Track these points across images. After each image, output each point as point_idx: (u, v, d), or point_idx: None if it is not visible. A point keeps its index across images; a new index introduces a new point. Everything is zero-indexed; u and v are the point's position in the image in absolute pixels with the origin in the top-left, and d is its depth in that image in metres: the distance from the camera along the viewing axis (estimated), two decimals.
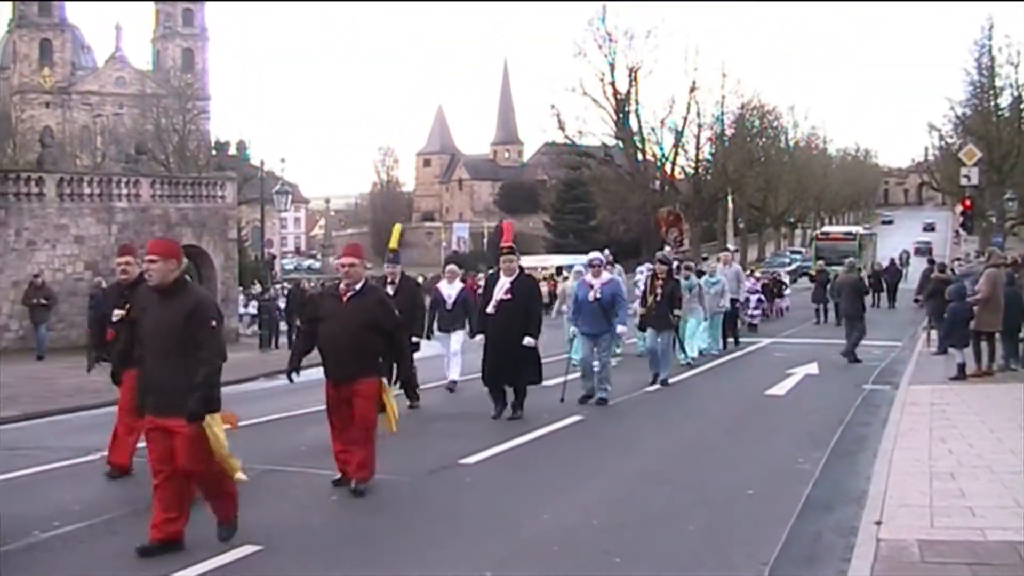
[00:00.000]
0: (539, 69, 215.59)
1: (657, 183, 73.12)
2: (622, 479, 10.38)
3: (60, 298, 28.45)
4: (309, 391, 12.33)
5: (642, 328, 18.18)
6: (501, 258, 14.04)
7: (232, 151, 69.41)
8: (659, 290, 17.51)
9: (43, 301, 27.09)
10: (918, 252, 76.88)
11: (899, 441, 11.64)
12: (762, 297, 33.44)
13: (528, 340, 13.48)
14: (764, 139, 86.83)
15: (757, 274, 37.72)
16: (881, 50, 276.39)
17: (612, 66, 70.99)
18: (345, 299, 9.50)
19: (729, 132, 77.97)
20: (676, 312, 17.67)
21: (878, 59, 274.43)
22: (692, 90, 71.56)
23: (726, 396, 17.05)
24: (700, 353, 21.69)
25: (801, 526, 8.37)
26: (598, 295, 14.91)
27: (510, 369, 13.68)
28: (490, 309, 13.64)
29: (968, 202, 34.44)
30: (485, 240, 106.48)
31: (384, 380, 9.75)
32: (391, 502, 9.34)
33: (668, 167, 73.85)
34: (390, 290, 14.16)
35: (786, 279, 44.92)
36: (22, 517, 8.53)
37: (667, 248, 26.40)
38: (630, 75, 70.83)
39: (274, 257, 67.86)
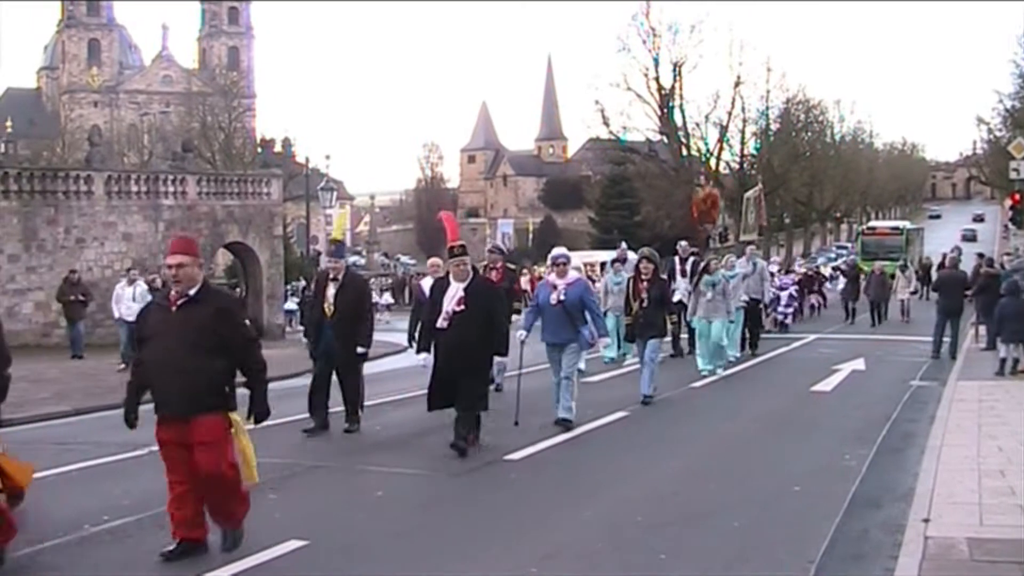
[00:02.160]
0: (583, 65, 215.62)
1: (702, 178, 72.79)
2: (667, 476, 10.35)
3: (110, 296, 28.67)
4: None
5: (629, 338, 16.03)
6: (449, 260, 11.59)
7: (277, 148, 69.64)
8: (644, 294, 15.01)
9: (80, 297, 26.11)
10: (964, 239, 76.05)
11: (947, 438, 11.53)
12: (793, 293, 30.27)
13: (500, 360, 11.86)
14: (809, 134, 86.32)
15: (801, 266, 36.35)
16: (928, 43, 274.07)
17: (656, 61, 70.64)
18: (174, 309, 7.39)
19: (774, 127, 77.56)
20: (672, 317, 15.33)
21: (925, 52, 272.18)
22: (737, 85, 71.23)
23: (771, 392, 16.95)
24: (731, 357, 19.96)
25: (848, 523, 8.31)
26: (562, 297, 12.77)
27: (458, 393, 11.12)
28: (440, 323, 11.21)
29: (1017, 196, 33.95)
30: (530, 236, 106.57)
31: (236, 416, 7.39)
32: (436, 498, 9.37)
33: (713, 162, 73.54)
34: (332, 288, 12.51)
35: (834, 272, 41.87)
36: (73, 511, 8.65)
37: (683, 243, 23.04)
38: (674, 70, 70.48)
39: (319, 253, 67.98)
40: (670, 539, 7.88)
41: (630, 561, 7.39)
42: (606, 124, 72.26)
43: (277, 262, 37.17)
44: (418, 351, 11.75)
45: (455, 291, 11.21)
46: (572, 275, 13.22)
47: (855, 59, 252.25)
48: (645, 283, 15.09)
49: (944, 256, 25.13)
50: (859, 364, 20.15)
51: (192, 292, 7.36)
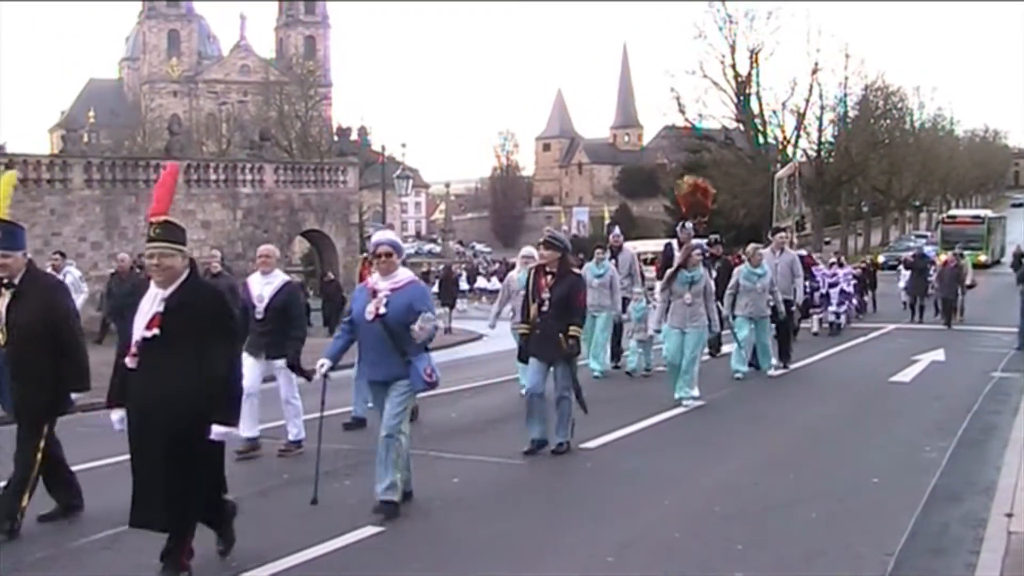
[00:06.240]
0: (658, 52, 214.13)
1: (779, 166, 72.17)
2: (744, 465, 10.27)
3: None
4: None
5: (522, 358, 11.06)
6: (147, 246, 6.71)
7: (354, 137, 70.20)
8: (545, 294, 10.34)
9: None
10: None
11: None
12: (845, 289, 25.53)
13: (217, 430, 6.46)
14: (888, 121, 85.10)
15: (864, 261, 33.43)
16: (1011, 28, 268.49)
17: (733, 48, 70.15)
18: None
19: (852, 114, 76.61)
20: (572, 330, 10.21)
21: (1008, 37, 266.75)
22: (814, 72, 70.42)
23: (849, 382, 16.75)
24: (737, 373, 16.13)
25: (928, 517, 8.20)
26: (382, 309, 8.08)
27: (160, 488, 6.51)
28: (129, 360, 6.59)
29: None
30: (605, 225, 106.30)
31: None
32: (512, 486, 9.38)
33: (790, 150, 72.83)
34: (4, 298, 7.59)
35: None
36: None
37: (688, 225, 17.48)
38: (751, 57, 69.96)
39: None
40: (747, 529, 7.82)
41: (707, 551, 7.35)
42: (682, 112, 71.99)
43: (353, 250, 37.54)
44: (107, 405, 6.88)
45: (151, 303, 6.61)
46: (403, 275, 8.36)
47: (936, 45, 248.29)
48: (549, 278, 10.41)
49: None
50: (939, 355, 19.86)
51: None
